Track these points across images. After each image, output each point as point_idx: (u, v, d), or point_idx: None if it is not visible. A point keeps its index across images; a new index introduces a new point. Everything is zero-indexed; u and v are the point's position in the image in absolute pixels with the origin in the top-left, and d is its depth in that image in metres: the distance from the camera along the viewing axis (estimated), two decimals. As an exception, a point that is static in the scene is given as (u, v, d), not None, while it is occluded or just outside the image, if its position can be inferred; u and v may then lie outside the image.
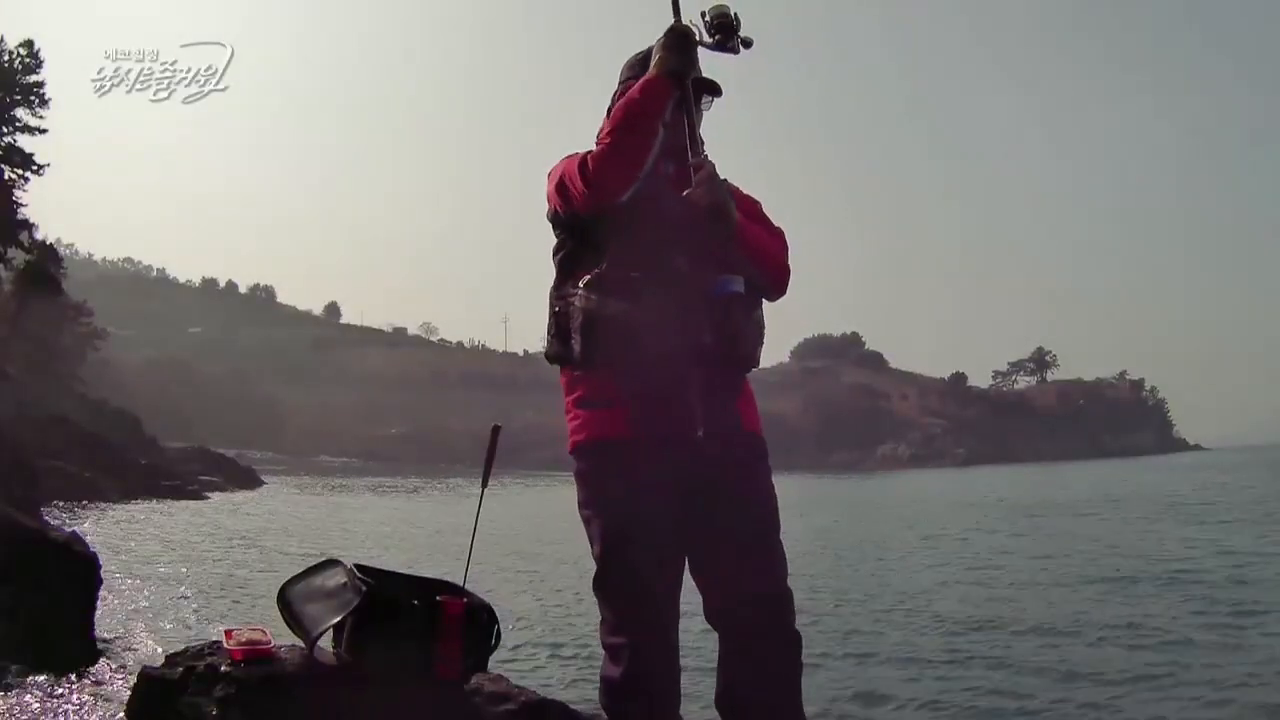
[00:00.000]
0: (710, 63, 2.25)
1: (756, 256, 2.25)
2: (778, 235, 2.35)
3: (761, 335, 2.28)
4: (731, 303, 2.17)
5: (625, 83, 2.29)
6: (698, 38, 2.17)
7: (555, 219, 2.28)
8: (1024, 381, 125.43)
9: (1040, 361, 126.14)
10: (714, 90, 2.30)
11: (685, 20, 2.19)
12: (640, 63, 2.27)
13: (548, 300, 2.28)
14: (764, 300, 2.31)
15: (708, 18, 2.18)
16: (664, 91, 2.14)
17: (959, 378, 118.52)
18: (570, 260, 2.23)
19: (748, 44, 2.20)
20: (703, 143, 2.24)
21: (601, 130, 2.28)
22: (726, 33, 2.17)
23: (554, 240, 2.30)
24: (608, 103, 2.36)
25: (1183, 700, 5.44)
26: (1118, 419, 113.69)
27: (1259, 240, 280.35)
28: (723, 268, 2.18)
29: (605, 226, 2.15)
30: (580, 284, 2.16)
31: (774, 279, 2.31)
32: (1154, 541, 14.67)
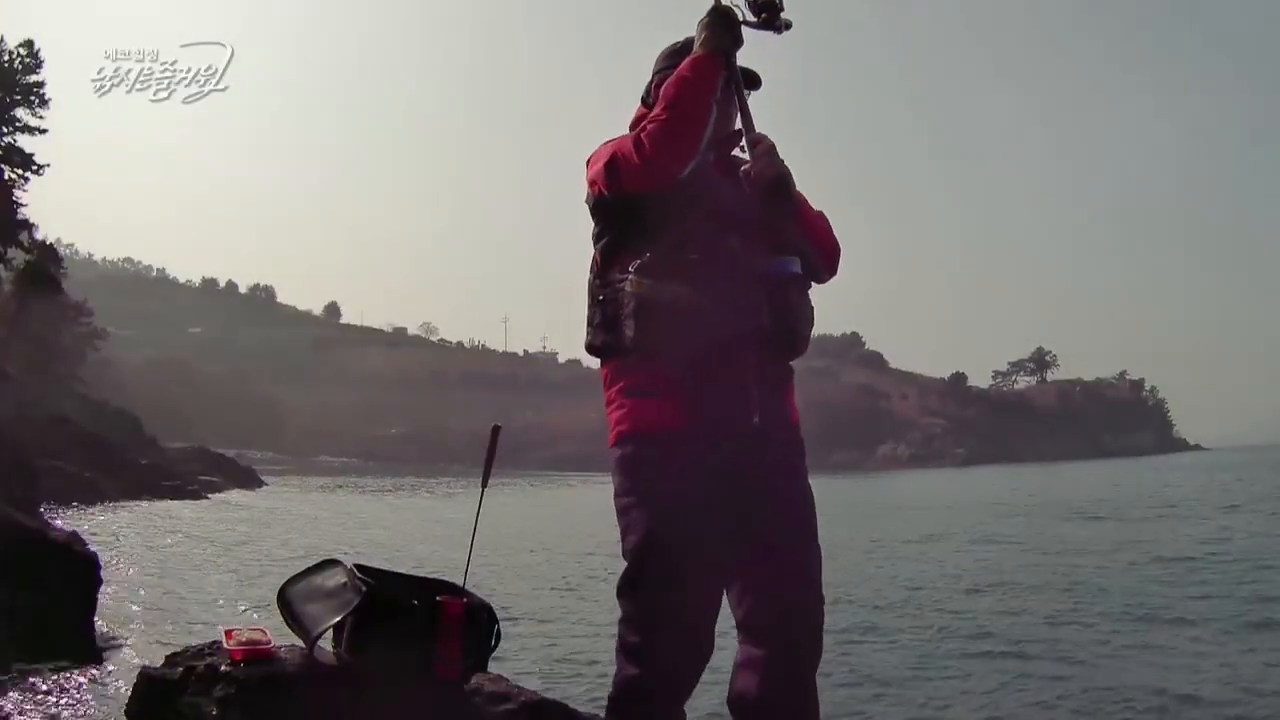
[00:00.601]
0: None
1: (813, 233, 2.24)
2: (821, 215, 2.32)
3: (813, 320, 2.23)
4: (790, 284, 2.14)
5: (660, 73, 2.25)
6: (741, 17, 2.14)
7: (599, 203, 2.19)
8: (1024, 381, 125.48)
9: (1040, 361, 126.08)
10: (753, 83, 2.25)
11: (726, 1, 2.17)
12: (677, 52, 2.23)
13: (590, 291, 2.21)
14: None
15: None
16: (714, 68, 2.10)
17: (959, 378, 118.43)
18: (614, 247, 2.16)
19: (788, 25, 2.16)
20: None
21: (640, 113, 2.25)
22: (771, 11, 2.14)
23: (593, 229, 2.24)
24: (629, 96, 2.34)
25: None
26: (1118, 419, 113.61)
27: (1259, 240, 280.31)
28: (776, 250, 2.15)
29: (654, 210, 2.09)
30: (631, 269, 2.09)
31: (829, 256, 2.29)
32: (1158, 541, 14.66)
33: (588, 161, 2.24)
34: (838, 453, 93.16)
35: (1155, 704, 5.39)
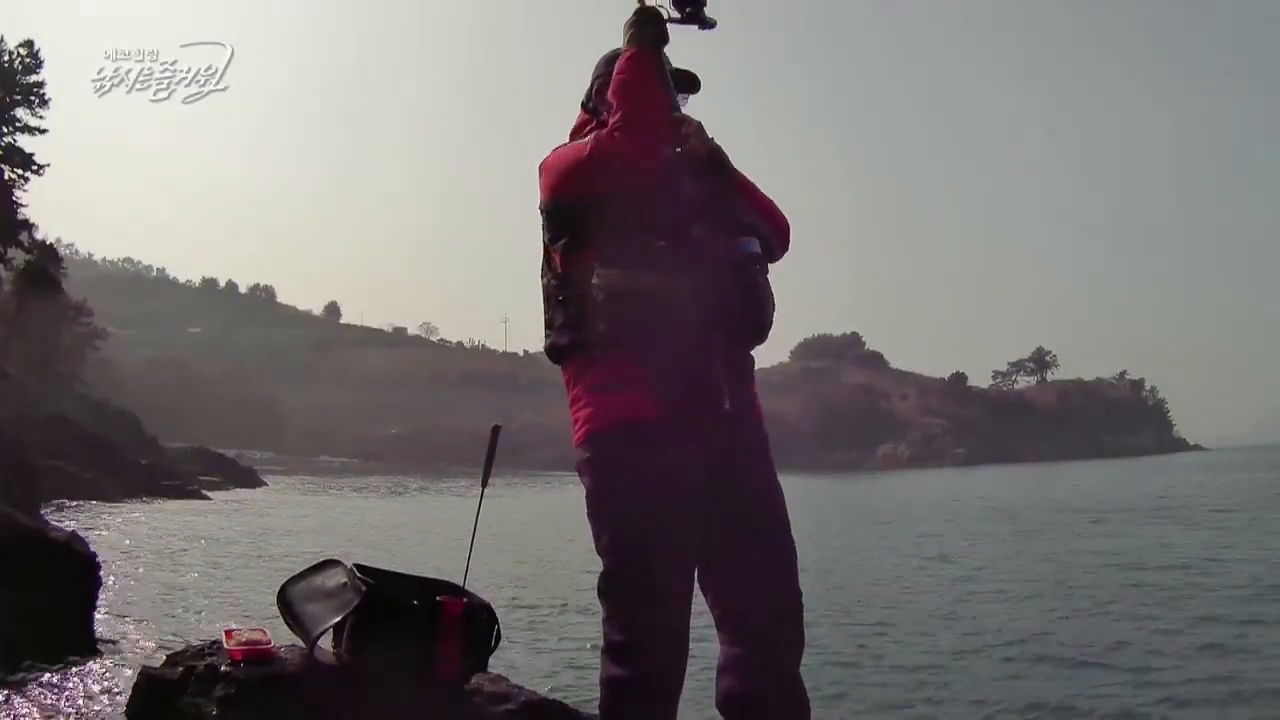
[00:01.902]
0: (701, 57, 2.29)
1: (763, 208, 2.29)
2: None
3: (774, 305, 2.24)
4: (752, 263, 2.17)
5: (599, 79, 2.29)
6: (666, 15, 2.19)
7: (562, 205, 2.17)
8: (1024, 381, 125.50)
9: (1040, 361, 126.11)
10: (692, 85, 2.32)
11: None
12: (614, 59, 2.26)
13: (547, 294, 2.21)
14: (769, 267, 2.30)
15: None
16: (645, 61, 2.14)
17: (959, 378, 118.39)
18: (575, 246, 2.15)
19: (713, 23, 2.21)
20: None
21: (582, 120, 2.30)
22: (694, 5, 2.19)
23: (546, 234, 2.23)
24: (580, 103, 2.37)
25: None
26: (1117, 419, 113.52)
27: (1259, 240, 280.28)
28: (735, 232, 2.20)
29: (617, 205, 2.10)
30: (596, 263, 2.10)
31: (780, 231, 2.33)
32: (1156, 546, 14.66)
33: (541, 168, 2.24)
34: (837, 452, 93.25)
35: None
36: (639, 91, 2.11)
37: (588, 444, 2.14)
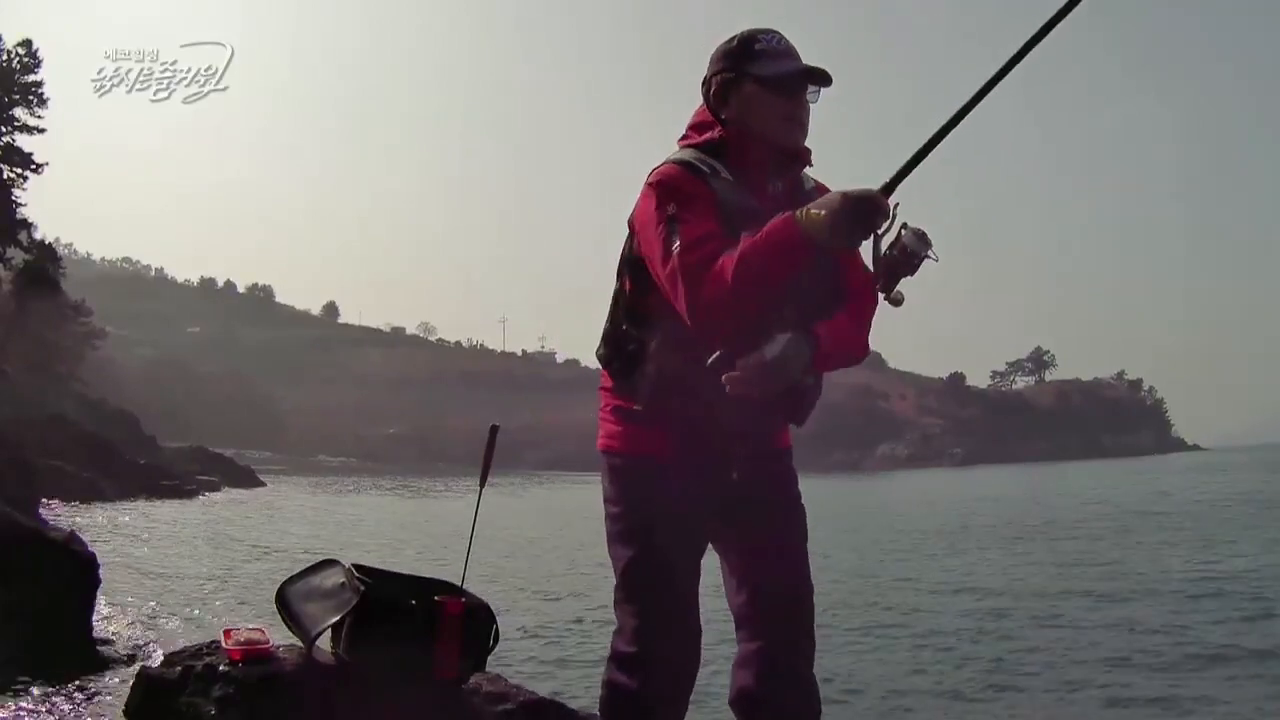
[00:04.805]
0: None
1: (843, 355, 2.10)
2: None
3: (820, 392, 2.15)
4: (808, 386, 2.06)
5: (719, 75, 2.08)
6: (881, 235, 1.85)
7: (640, 263, 2.05)
8: (1022, 381, 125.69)
9: (1038, 361, 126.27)
10: (823, 80, 2.07)
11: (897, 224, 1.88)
12: (730, 54, 2.08)
13: (613, 307, 2.14)
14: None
15: (905, 233, 1.88)
16: (802, 259, 1.84)
17: (957, 378, 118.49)
18: (650, 305, 2.04)
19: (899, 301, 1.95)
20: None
21: (701, 118, 2.13)
22: (896, 270, 1.89)
23: (627, 250, 2.12)
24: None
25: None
26: (1116, 419, 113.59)
27: (1259, 240, 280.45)
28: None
29: None
30: (657, 331, 2.02)
31: (859, 360, 2.19)
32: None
33: (635, 220, 2.07)
34: (837, 452, 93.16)
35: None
36: (763, 274, 1.83)
37: (606, 456, 2.18)
